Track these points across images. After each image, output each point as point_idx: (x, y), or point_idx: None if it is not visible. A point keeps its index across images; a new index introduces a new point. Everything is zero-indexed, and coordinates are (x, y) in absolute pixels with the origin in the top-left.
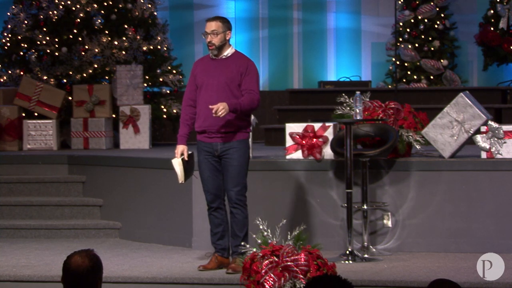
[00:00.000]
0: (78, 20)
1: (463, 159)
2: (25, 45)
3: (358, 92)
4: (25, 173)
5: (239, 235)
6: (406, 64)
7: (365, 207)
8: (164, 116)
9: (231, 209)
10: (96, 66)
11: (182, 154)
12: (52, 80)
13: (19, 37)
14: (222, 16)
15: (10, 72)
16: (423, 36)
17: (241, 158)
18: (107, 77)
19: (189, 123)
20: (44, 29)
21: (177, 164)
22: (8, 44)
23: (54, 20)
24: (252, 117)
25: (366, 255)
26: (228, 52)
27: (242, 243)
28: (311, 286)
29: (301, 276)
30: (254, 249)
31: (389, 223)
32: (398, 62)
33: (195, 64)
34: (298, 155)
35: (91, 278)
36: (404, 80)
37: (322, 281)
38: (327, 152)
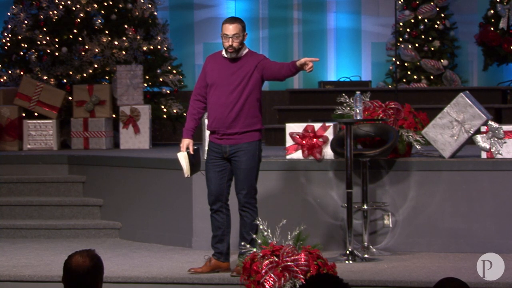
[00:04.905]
0: (78, 20)
1: (463, 159)
2: (25, 45)
3: (358, 92)
4: (25, 173)
5: (247, 238)
6: (406, 64)
7: (365, 207)
8: (164, 116)
9: (239, 211)
10: (96, 66)
11: (187, 148)
12: (52, 80)
13: (19, 37)
14: (238, 17)
15: (10, 72)
16: (423, 36)
17: (249, 161)
18: (107, 77)
19: (196, 117)
20: (44, 29)
21: (183, 158)
22: (8, 44)
23: (54, 20)
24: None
25: (366, 255)
26: (242, 52)
27: (243, 243)
28: (306, 287)
29: (301, 276)
30: (254, 249)
31: (389, 223)
32: (398, 62)
33: (207, 60)
34: (298, 155)
35: (91, 278)
36: (404, 80)
37: (317, 282)
38: (327, 152)
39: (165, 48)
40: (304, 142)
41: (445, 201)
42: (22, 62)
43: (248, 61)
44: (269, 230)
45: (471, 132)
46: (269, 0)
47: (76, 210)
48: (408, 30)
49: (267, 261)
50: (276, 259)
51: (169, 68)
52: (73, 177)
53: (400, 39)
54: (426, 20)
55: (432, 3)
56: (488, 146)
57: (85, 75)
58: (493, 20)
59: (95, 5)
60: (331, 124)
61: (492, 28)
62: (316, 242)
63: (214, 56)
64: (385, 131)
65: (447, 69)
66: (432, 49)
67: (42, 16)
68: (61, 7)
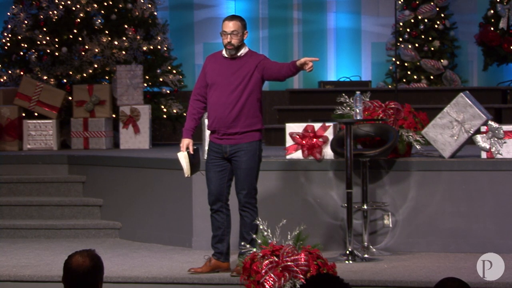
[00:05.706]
0: (78, 20)
1: (463, 159)
2: (25, 45)
3: (358, 92)
4: (25, 173)
5: (247, 238)
6: (406, 64)
7: (365, 207)
8: (164, 116)
9: (240, 211)
10: (96, 66)
11: (187, 148)
12: (52, 80)
13: (19, 37)
14: (239, 15)
15: (10, 72)
16: (423, 36)
17: (249, 161)
18: (107, 77)
19: (196, 117)
20: (44, 29)
21: (183, 158)
22: (8, 44)
23: (54, 20)
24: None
25: (366, 255)
26: (242, 51)
27: (243, 243)
28: (306, 287)
29: (301, 276)
30: (254, 249)
31: (389, 223)
32: (398, 62)
33: (207, 60)
34: (298, 155)
35: (91, 278)
36: (404, 80)
37: (317, 282)
38: (327, 152)
39: (165, 48)
40: (304, 142)
41: (445, 201)
42: (22, 62)
43: (248, 61)
44: (269, 230)
45: (471, 132)
46: (269, 0)
47: (76, 210)
48: (408, 30)
49: (267, 261)
50: (276, 259)
51: (169, 68)
52: (73, 177)
53: (400, 39)
54: (426, 20)
55: (432, 3)
56: (488, 146)
57: (85, 75)
58: (493, 20)
59: (95, 5)
60: (331, 124)
61: (492, 28)
62: (316, 242)
63: (214, 56)
64: (385, 131)
65: (447, 69)
66: (432, 49)
67: (42, 16)
68: (61, 7)
